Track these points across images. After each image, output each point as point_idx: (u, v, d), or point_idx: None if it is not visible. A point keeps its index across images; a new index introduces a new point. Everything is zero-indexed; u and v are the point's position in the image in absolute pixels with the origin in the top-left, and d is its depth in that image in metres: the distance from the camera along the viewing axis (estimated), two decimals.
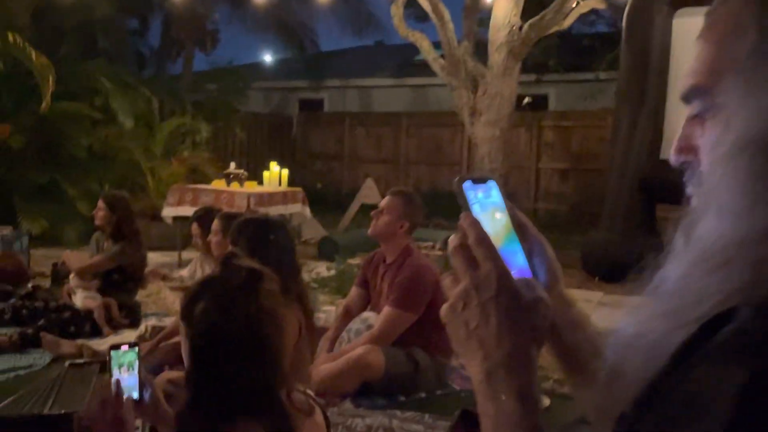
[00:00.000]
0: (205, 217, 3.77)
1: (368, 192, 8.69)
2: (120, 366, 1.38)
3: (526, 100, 11.63)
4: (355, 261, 6.44)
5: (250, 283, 1.29)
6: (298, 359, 2.15)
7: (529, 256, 0.65)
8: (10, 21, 6.57)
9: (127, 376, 1.38)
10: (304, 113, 14.46)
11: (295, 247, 2.31)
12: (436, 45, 8.51)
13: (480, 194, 0.66)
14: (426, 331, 3.06)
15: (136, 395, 1.39)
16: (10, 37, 6.17)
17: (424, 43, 8.39)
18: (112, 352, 1.39)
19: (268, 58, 17.45)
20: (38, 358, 3.58)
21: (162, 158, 8.11)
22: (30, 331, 3.75)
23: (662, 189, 5.96)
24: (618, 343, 0.58)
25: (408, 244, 3.26)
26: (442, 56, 8.25)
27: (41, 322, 3.83)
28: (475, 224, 0.62)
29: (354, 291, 3.42)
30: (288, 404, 1.29)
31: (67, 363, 2.57)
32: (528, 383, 0.60)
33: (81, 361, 2.53)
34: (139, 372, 1.39)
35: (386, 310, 3.08)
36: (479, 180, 0.67)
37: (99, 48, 9.24)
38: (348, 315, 3.30)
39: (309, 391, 1.48)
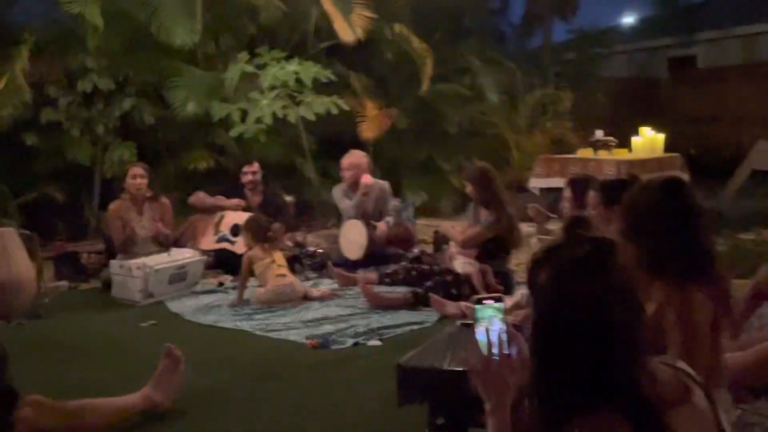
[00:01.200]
0: (579, 183, 3.60)
1: (760, 156, 7.38)
2: (484, 320, 1.34)
3: None
4: (748, 236, 5.51)
5: (595, 256, 1.13)
6: (713, 350, 1.82)
7: None
8: (394, 14, 7.38)
9: (492, 331, 1.33)
10: (674, 73, 13.04)
11: (702, 214, 1.96)
12: None
13: None
14: None
15: (505, 349, 1.32)
16: (397, 29, 6.93)
17: None
18: (476, 306, 1.35)
19: (630, 18, 16.22)
20: (428, 316, 3.93)
21: (525, 131, 8.21)
22: (420, 291, 4.13)
23: None
24: None
25: None
26: None
27: (429, 283, 4.19)
28: None
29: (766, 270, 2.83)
30: (652, 392, 1.09)
31: (458, 323, 2.70)
32: None
33: (472, 322, 2.62)
34: (505, 327, 1.33)
35: None
36: None
37: (465, 29, 9.76)
38: (759, 297, 2.76)
39: (683, 366, 1.18)
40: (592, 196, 3.25)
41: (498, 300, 1.39)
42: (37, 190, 6.37)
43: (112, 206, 4.99)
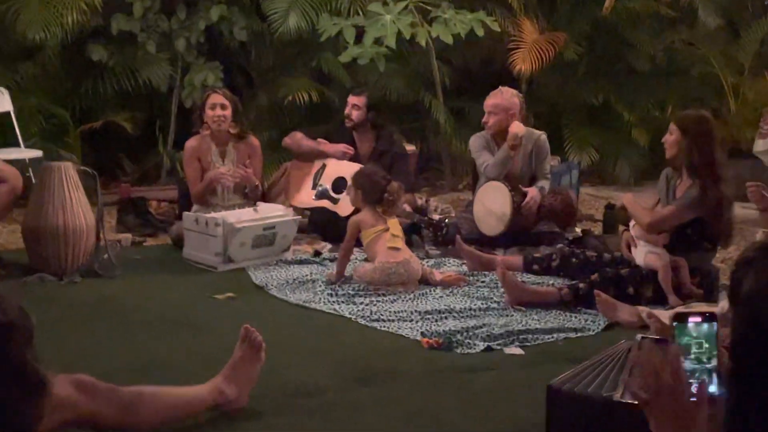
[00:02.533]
0: None
1: None
2: (687, 344, 1.36)
3: None
4: None
5: None
6: None
7: None
8: None
9: (696, 358, 1.35)
10: None
11: None
12: None
13: None
14: None
15: (713, 389, 1.33)
16: None
17: None
18: (677, 324, 1.39)
19: None
20: (590, 321, 3.79)
21: (750, 72, 7.64)
22: (581, 285, 3.98)
23: None
24: None
25: None
26: None
27: (594, 276, 4.03)
28: None
29: None
30: None
31: (638, 336, 2.55)
32: None
33: (656, 336, 2.46)
34: (713, 359, 1.35)
35: None
36: None
37: None
38: None
39: None
40: None
41: (709, 319, 1.38)
42: (102, 118, 6.75)
43: (189, 143, 5.17)
